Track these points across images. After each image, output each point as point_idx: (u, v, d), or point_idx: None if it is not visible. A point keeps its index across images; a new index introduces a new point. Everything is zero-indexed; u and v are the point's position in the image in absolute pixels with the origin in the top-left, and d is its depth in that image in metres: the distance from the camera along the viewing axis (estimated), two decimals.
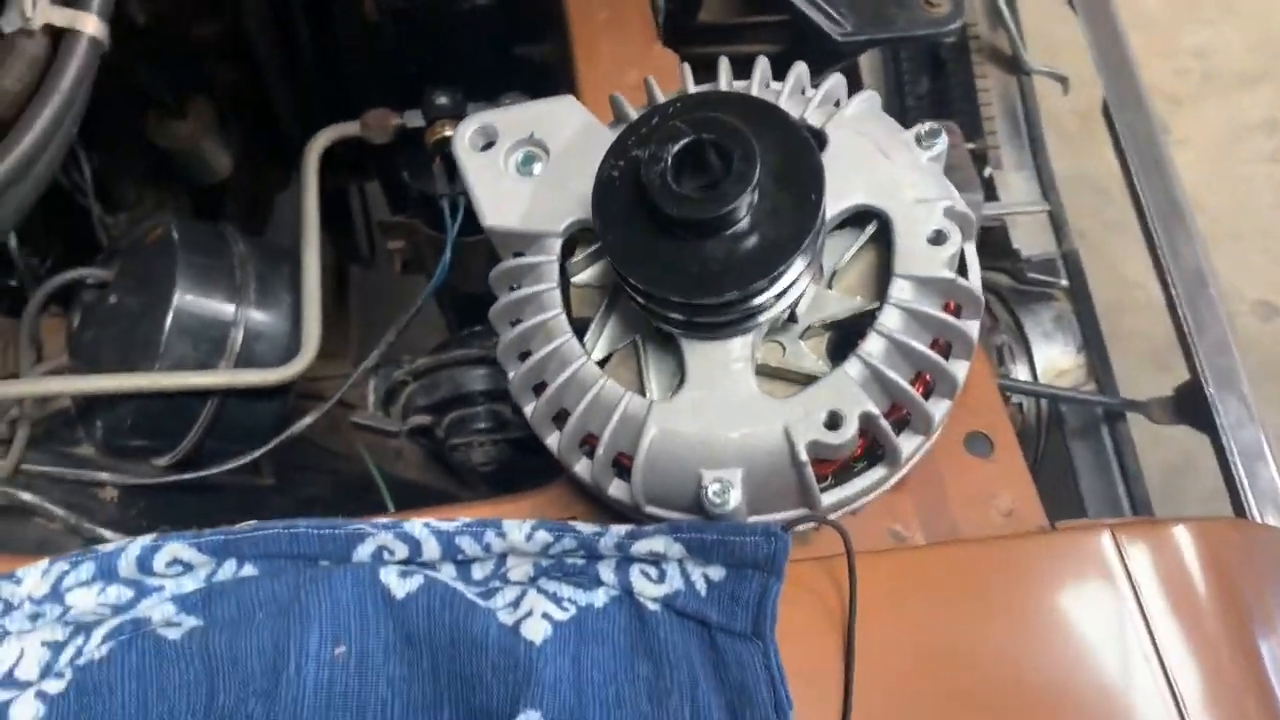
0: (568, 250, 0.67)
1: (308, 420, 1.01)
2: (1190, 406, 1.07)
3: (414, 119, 1.08)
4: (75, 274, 1.00)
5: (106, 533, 0.93)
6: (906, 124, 1.61)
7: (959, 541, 0.71)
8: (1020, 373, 1.18)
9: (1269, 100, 2.98)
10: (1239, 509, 0.99)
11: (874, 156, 0.63)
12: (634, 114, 0.68)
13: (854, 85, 1.53)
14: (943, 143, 0.65)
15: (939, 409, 0.62)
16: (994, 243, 1.26)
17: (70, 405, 1.00)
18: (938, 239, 0.61)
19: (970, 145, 1.29)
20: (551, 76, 1.22)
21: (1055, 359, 1.15)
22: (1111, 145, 1.25)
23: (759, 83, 0.68)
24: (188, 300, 0.95)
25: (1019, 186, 1.27)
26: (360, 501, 1.20)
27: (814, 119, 0.66)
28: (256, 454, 0.99)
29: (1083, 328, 1.17)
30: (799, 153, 0.57)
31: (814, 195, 0.56)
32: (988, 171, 1.27)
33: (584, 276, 0.67)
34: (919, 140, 0.64)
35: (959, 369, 0.62)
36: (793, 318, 0.62)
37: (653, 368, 0.63)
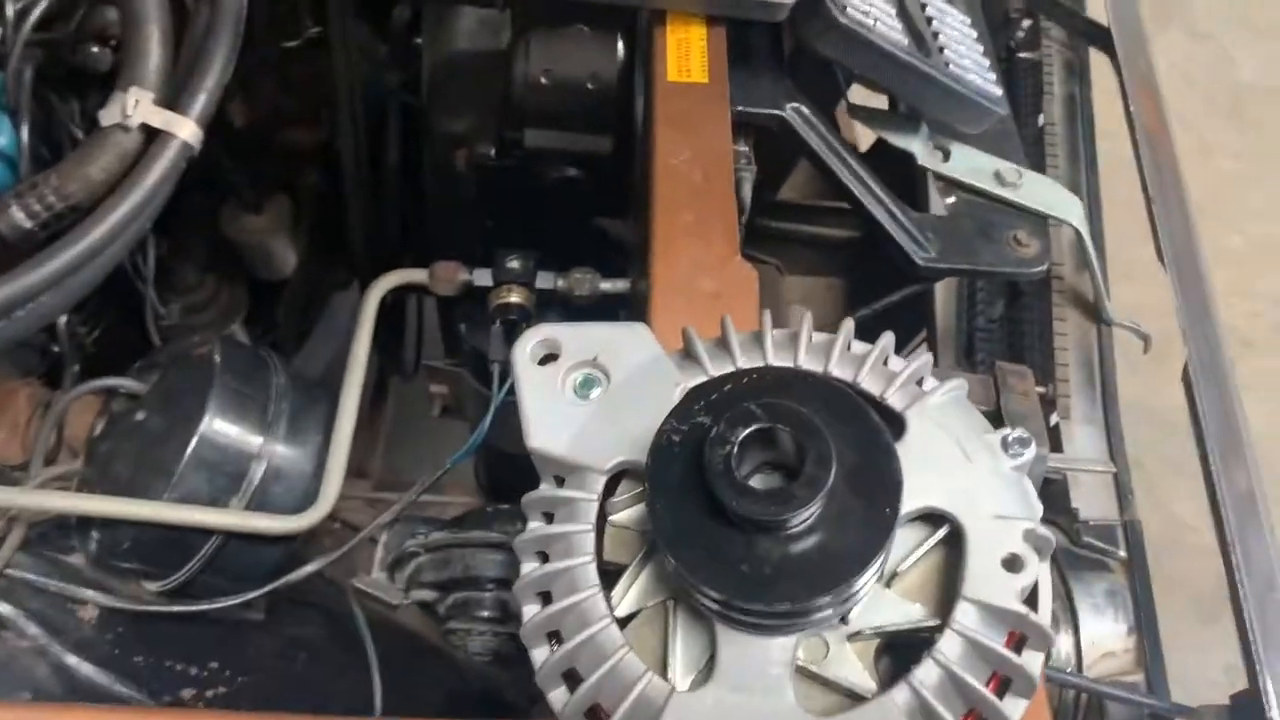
0: (611, 487, 0.62)
1: (307, 570, 0.96)
2: None
3: (482, 277, 1.07)
4: (108, 383, 0.98)
5: (72, 659, 0.88)
6: (974, 348, 1.57)
7: None
8: (1064, 644, 1.11)
9: None
10: None
11: (955, 456, 0.59)
12: (705, 355, 0.64)
13: (926, 298, 1.51)
14: (1030, 453, 0.60)
15: None
16: (1052, 496, 1.20)
17: None
18: (1013, 564, 0.56)
19: (1040, 389, 1.25)
20: (625, 252, 1.20)
21: (1103, 638, 1.08)
22: (1189, 416, 1.20)
23: (840, 347, 0.64)
24: (214, 429, 0.92)
25: (1085, 441, 1.21)
26: (349, 653, 1.14)
27: (896, 400, 0.61)
28: (251, 595, 0.94)
29: (1137, 608, 1.09)
30: (879, 458, 0.53)
31: (888, 509, 0.51)
32: (1054, 419, 1.22)
33: (623, 517, 0.62)
34: (1005, 446, 0.60)
35: (1015, 709, 0.56)
36: (843, 618, 0.56)
37: (680, 640, 0.58)
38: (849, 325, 0.67)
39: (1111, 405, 1.23)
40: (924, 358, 0.65)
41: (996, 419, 1.07)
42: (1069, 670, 1.09)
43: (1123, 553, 1.13)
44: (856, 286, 1.81)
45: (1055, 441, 1.20)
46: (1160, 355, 1.45)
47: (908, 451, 0.59)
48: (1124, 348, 1.88)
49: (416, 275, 1.09)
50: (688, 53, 1.05)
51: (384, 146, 1.50)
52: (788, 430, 0.51)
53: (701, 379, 0.63)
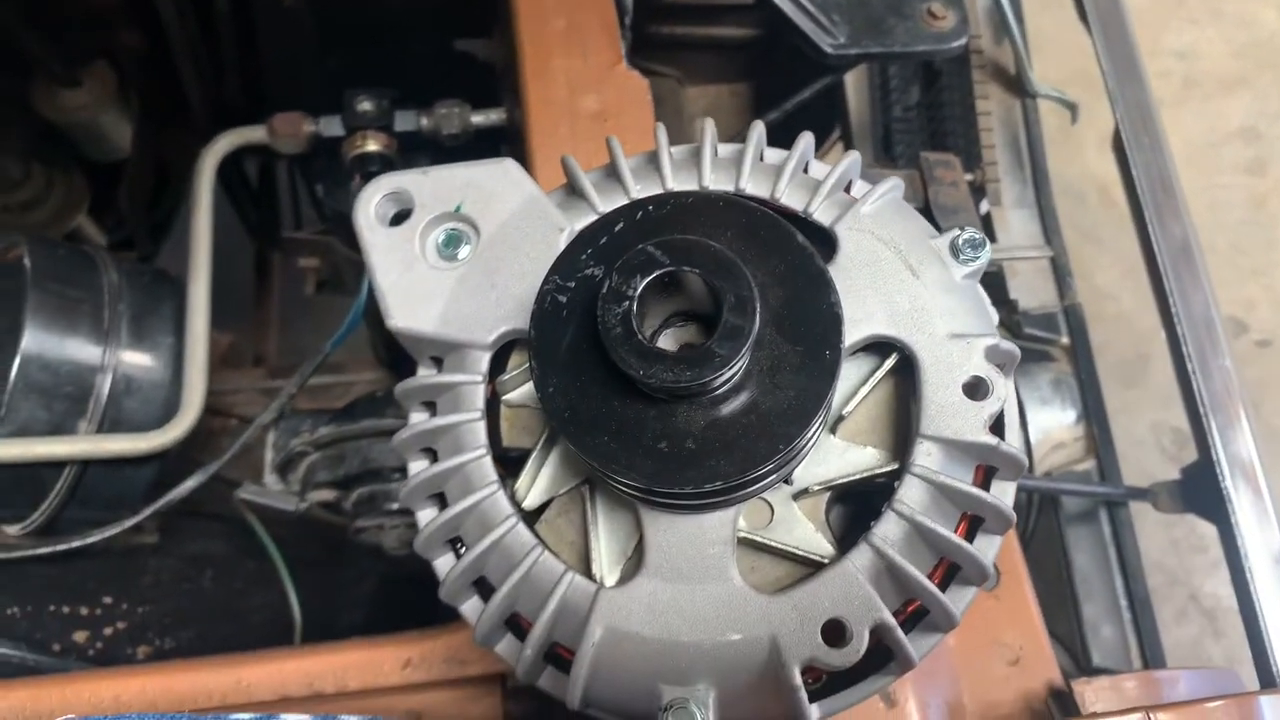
0: (499, 361, 0.52)
1: (189, 485, 0.85)
2: (1199, 493, 0.97)
3: (332, 126, 0.92)
4: None
5: None
6: (892, 140, 1.46)
7: None
8: (1011, 440, 1.06)
9: (1249, 107, 2.90)
10: (1250, 614, 0.89)
11: (898, 271, 0.49)
12: (591, 189, 0.53)
13: (837, 89, 1.38)
14: (985, 255, 0.51)
15: (964, 599, 0.49)
16: (989, 288, 1.13)
17: None
18: (976, 389, 0.47)
19: (968, 176, 1.16)
20: (495, 78, 1.05)
21: (1052, 429, 1.04)
22: (1121, 178, 1.13)
23: (752, 158, 0.53)
24: (39, 345, 0.78)
25: (1019, 226, 1.14)
26: (260, 557, 1.04)
27: (823, 214, 0.51)
28: (128, 523, 0.83)
29: (1083, 394, 1.05)
30: (811, 289, 0.43)
31: (828, 352, 0.41)
32: (984, 207, 1.14)
33: (519, 395, 0.52)
34: (954, 251, 0.50)
35: (990, 549, 0.49)
36: (787, 477, 0.48)
37: (603, 526, 0.49)
38: (759, 130, 0.55)
39: (1043, 184, 1.15)
40: (850, 157, 0.54)
41: (926, 215, 0.98)
42: None
43: (1065, 339, 1.08)
44: (763, 90, 1.68)
45: (988, 230, 1.12)
46: (1069, 127, 1.37)
47: (842, 274, 0.49)
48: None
49: (254, 133, 0.93)
50: None
51: None
52: (697, 272, 0.40)
53: (590, 218, 0.52)
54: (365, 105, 0.90)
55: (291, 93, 1.08)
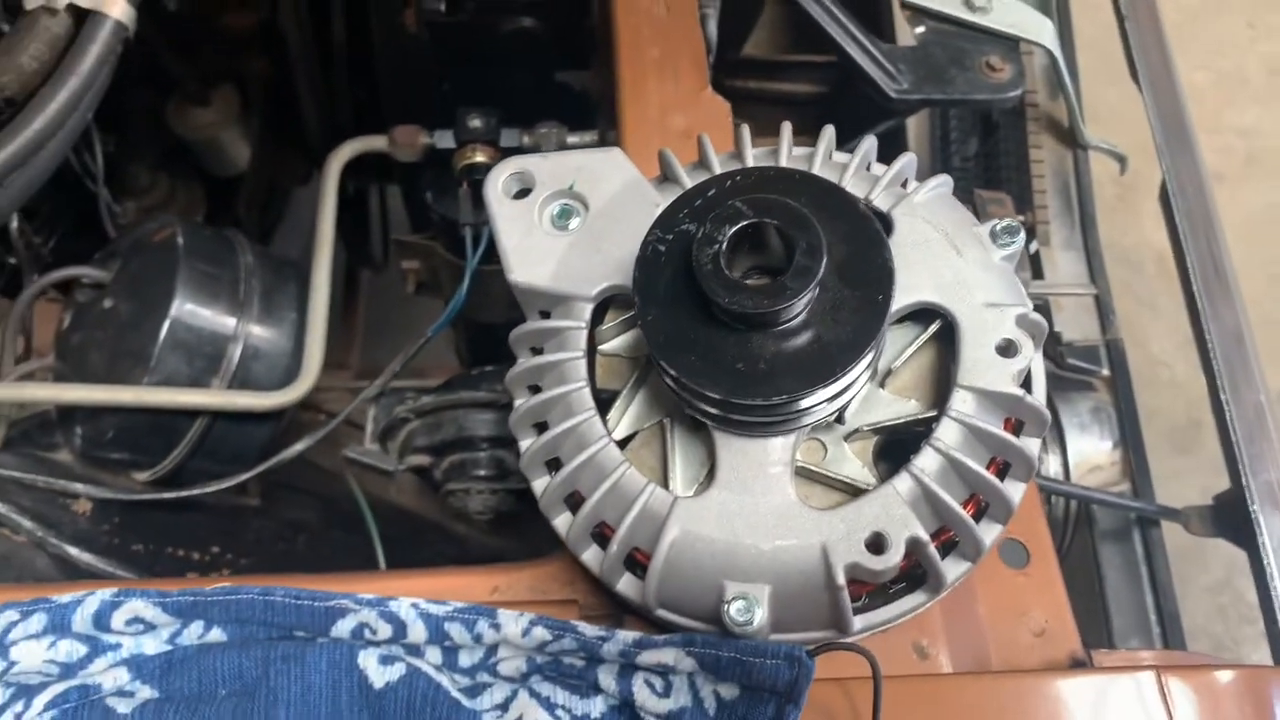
0: (598, 315, 0.61)
1: (299, 447, 0.95)
2: (1230, 519, 1.02)
3: (444, 139, 1.03)
4: (70, 272, 0.95)
5: (73, 550, 0.87)
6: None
7: (992, 674, 0.65)
8: (1052, 464, 1.13)
9: None
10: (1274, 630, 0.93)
11: (944, 250, 0.58)
12: (683, 174, 0.63)
13: (899, 139, 1.48)
14: (1019, 242, 0.59)
15: (991, 533, 0.56)
16: None
17: (51, 408, 0.95)
18: (1007, 350, 0.55)
19: (1020, 218, 1.24)
20: (589, 105, 1.17)
21: (1089, 453, 1.10)
22: (1167, 233, 1.20)
23: (823, 154, 0.62)
24: (186, 311, 0.90)
25: (1066, 266, 1.21)
26: (348, 530, 1.14)
27: (881, 201, 0.60)
28: (243, 477, 0.93)
29: (1121, 423, 1.11)
30: (868, 247, 0.52)
31: (881, 296, 0.50)
32: (1034, 247, 1.22)
33: (613, 345, 0.62)
34: (993, 237, 0.59)
35: (1015, 491, 0.57)
36: (839, 417, 0.56)
37: (679, 455, 0.58)
38: (829, 131, 0.65)
39: (1090, 228, 1.23)
40: (906, 157, 0.63)
41: None
42: None
43: (1106, 371, 1.14)
44: None
45: (1036, 268, 1.20)
46: (1127, 196, 1.43)
47: (896, 250, 0.57)
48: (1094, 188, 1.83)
49: (376, 142, 1.05)
50: None
51: (329, 22, 1.44)
52: (776, 224, 0.49)
53: None
54: (475, 122, 1.01)
55: (400, 115, 1.21)
